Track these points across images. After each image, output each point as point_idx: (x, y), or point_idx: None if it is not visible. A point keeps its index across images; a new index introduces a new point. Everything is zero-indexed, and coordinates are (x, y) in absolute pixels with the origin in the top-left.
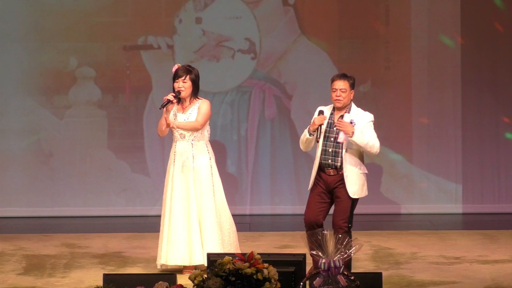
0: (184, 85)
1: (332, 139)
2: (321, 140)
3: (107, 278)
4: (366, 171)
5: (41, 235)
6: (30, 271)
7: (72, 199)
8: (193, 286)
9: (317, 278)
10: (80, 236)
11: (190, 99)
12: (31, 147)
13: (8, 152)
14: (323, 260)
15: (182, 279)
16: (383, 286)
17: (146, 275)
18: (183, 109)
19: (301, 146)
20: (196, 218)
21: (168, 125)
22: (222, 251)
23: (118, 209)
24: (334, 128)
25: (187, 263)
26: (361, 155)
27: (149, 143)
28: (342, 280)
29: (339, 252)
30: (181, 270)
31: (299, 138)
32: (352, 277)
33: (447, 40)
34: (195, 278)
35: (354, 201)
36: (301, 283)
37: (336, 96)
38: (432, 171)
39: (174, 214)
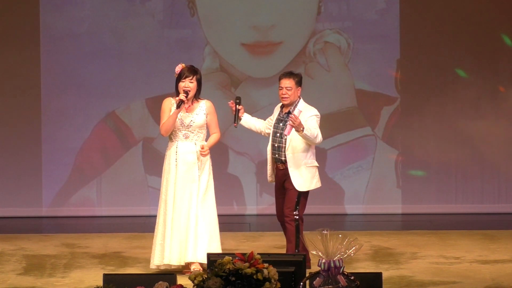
0: (190, 85)
1: (278, 134)
2: (270, 137)
3: (107, 278)
4: (315, 164)
5: (41, 235)
6: (30, 271)
7: (72, 199)
8: (193, 286)
9: (317, 278)
10: (80, 236)
11: (193, 99)
12: (31, 147)
13: (8, 151)
14: (323, 260)
15: (182, 279)
16: (383, 286)
17: (146, 275)
18: (186, 110)
19: None
20: (195, 218)
21: (205, 151)
22: (220, 250)
23: (118, 209)
24: (280, 124)
25: (186, 260)
26: (307, 149)
27: (147, 142)
28: (342, 280)
29: (339, 252)
30: (180, 269)
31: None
32: (352, 277)
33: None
34: (195, 278)
35: (302, 193)
36: (301, 283)
37: (282, 94)
38: (432, 171)
39: (178, 214)
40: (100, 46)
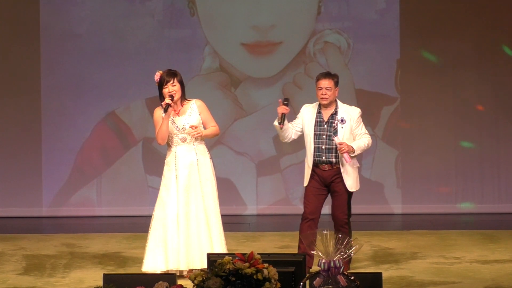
0: (174, 88)
1: (324, 136)
2: (312, 139)
3: (107, 278)
4: (358, 165)
5: (41, 235)
6: (30, 271)
7: (72, 199)
8: (193, 286)
9: (317, 278)
10: (80, 236)
11: (181, 101)
12: (31, 147)
13: (8, 151)
14: (323, 260)
15: (182, 279)
16: (383, 286)
17: (146, 275)
18: (178, 113)
19: (280, 138)
20: (204, 221)
21: (196, 134)
22: (225, 251)
23: (118, 209)
24: (325, 126)
25: (187, 267)
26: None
27: (147, 142)
28: (342, 280)
29: (339, 252)
30: (179, 271)
31: (302, 138)
32: (352, 277)
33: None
34: (195, 278)
35: (350, 194)
36: (301, 283)
37: (322, 94)
38: (432, 171)
39: (183, 218)
40: (100, 46)
